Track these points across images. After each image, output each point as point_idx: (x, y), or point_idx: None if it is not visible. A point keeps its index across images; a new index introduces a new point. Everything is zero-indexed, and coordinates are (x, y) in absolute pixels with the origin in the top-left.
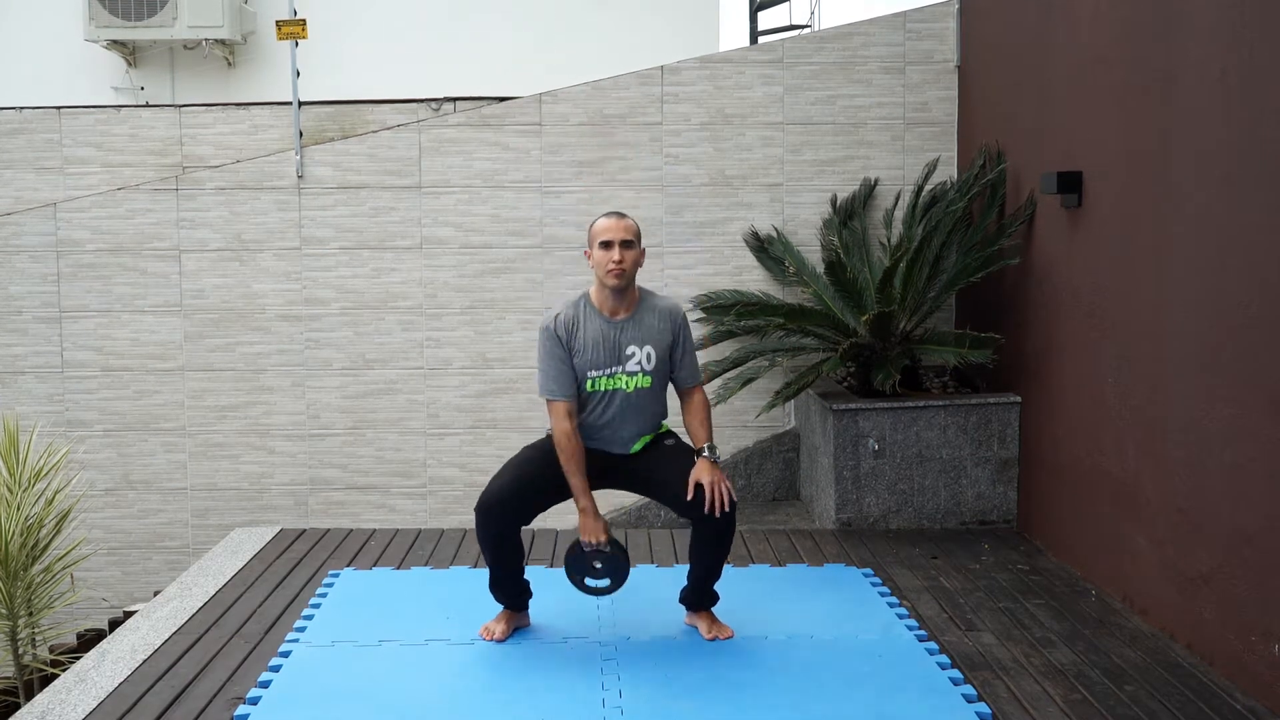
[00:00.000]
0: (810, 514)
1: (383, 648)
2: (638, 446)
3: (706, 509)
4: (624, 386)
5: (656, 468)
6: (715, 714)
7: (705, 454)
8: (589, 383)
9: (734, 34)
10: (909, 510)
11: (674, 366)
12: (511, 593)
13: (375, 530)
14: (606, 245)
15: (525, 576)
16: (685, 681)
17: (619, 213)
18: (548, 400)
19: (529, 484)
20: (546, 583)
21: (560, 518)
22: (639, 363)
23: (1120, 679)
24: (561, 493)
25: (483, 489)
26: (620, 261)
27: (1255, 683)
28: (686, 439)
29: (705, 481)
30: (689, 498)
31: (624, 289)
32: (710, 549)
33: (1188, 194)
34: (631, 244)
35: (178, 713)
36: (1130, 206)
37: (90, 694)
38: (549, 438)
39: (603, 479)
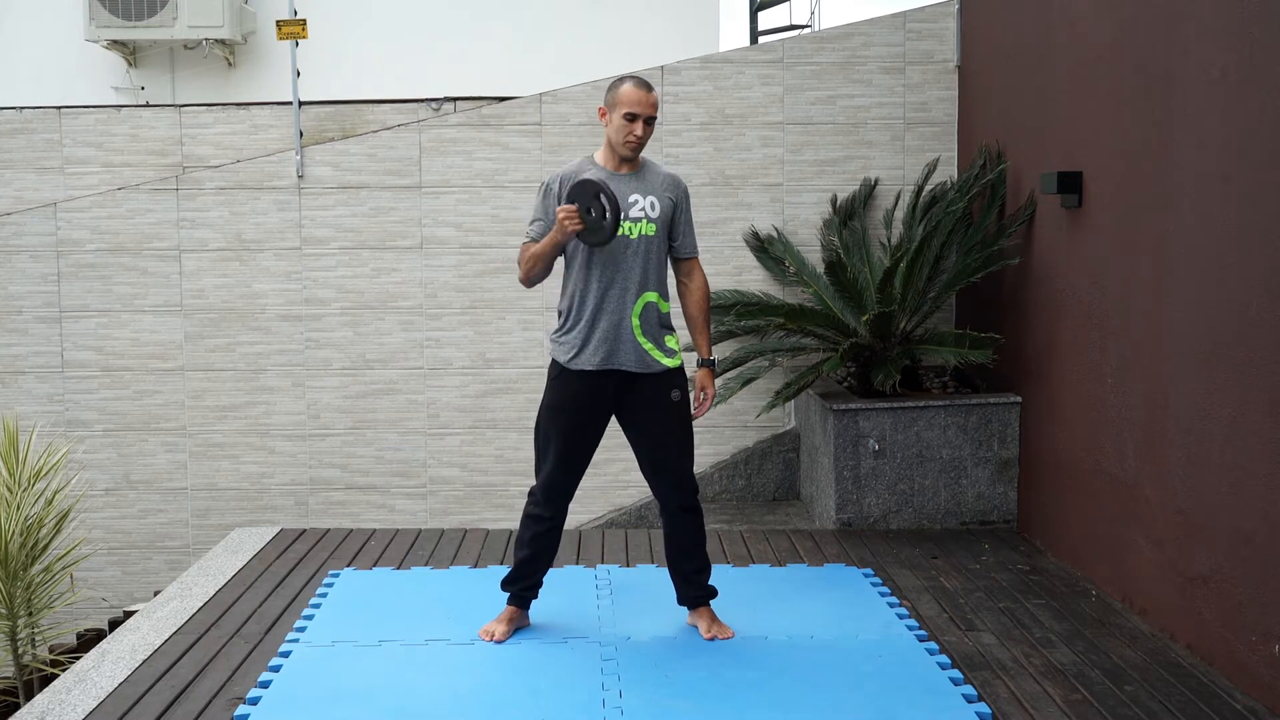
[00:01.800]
0: (810, 514)
1: (383, 648)
2: (638, 315)
3: (698, 414)
4: (629, 233)
5: (655, 423)
6: (715, 714)
7: (708, 365)
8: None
9: (734, 34)
10: (909, 510)
11: (674, 234)
12: (531, 585)
13: (375, 530)
14: (631, 118)
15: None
16: (685, 681)
17: (647, 84)
18: (523, 244)
19: (574, 456)
20: (547, 582)
21: None
22: (643, 209)
23: (1120, 679)
24: (597, 438)
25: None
26: (641, 137)
27: (1255, 683)
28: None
29: (709, 392)
30: (695, 398)
31: (634, 159)
32: (684, 534)
33: (1188, 194)
34: (653, 120)
35: (178, 713)
36: (1130, 206)
37: (90, 694)
38: (555, 390)
39: (618, 408)
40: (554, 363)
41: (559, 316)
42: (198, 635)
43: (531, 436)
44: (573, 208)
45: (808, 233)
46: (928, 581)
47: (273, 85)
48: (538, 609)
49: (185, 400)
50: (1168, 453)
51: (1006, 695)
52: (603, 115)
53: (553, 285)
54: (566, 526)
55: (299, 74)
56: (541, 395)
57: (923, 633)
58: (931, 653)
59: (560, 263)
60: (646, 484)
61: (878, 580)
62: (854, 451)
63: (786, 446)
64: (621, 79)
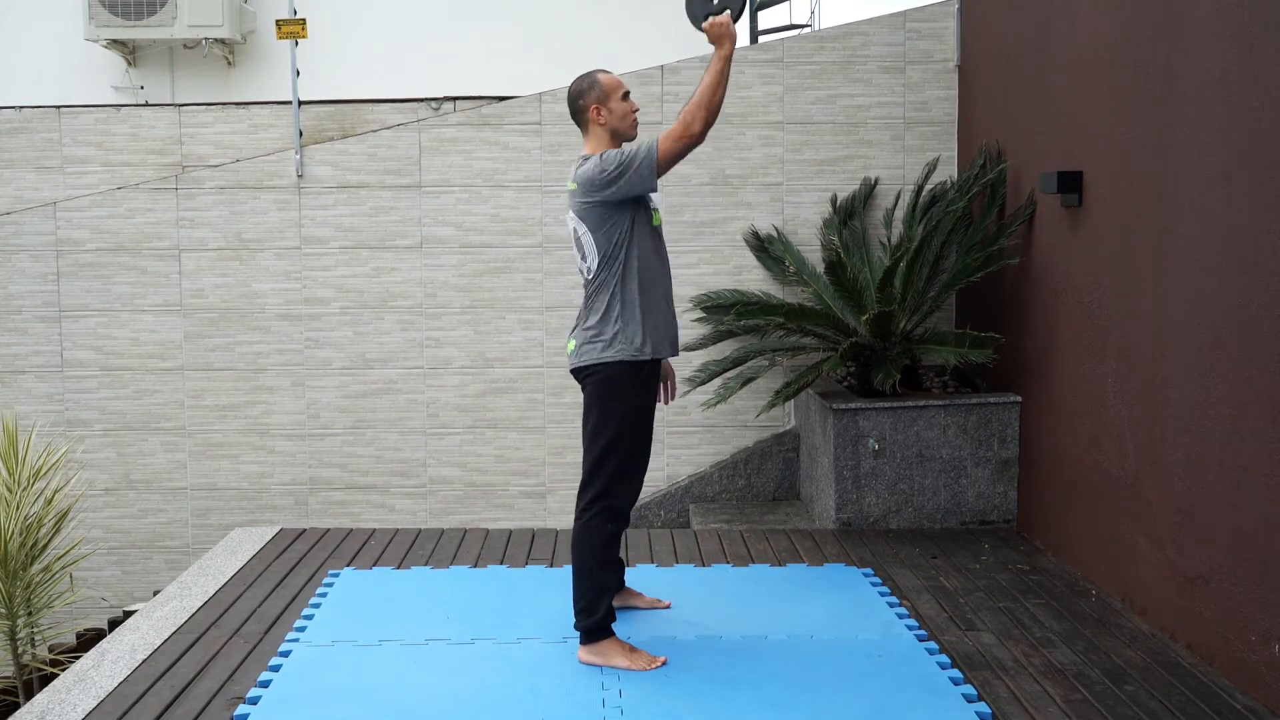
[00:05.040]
0: (810, 514)
1: (383, 648)
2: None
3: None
4: (657, 222)
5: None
6: (715, 714)
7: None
8: (655, 214)
9: None
10: (909, 510)
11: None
12: (616, 589)
13: (375, 530)
14: (627, 96)
15: None
16: (685, 681)
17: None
18: (655, 151)
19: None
20: (547, 583)
21: (561, 517)
22: (658, 198)
23: (1120, 679)
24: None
25: (614, 493)
26: (637, 111)
27: (1255, 683)
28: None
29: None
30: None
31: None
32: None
33: (1188, 194)
34: None
35: (178, 713)
36: (1130, 206)
37: (90, 694)
38: (639, 391)
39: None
40: (623, 364)
41: (606, 315)
42: (197, 635)
43: (525, 436)
44: (723, 18)
45: (808, 232)
46: (928, 581)
47: (272, 85)
48: (539, 609)
49: (185, 400)
50: (1168, 453)
51: (1006, 695)
52: (598, 112)
53: (553, 286)
54: (566, 526)
55: (299, 73)
56: (604, 405)
57: (923, 632)
58: (931, 652)
59: (583, 255)
60: (639, 485)
61: (878, 580)
62: (854, 451)
63: (786, 446)
64: (587, 76)
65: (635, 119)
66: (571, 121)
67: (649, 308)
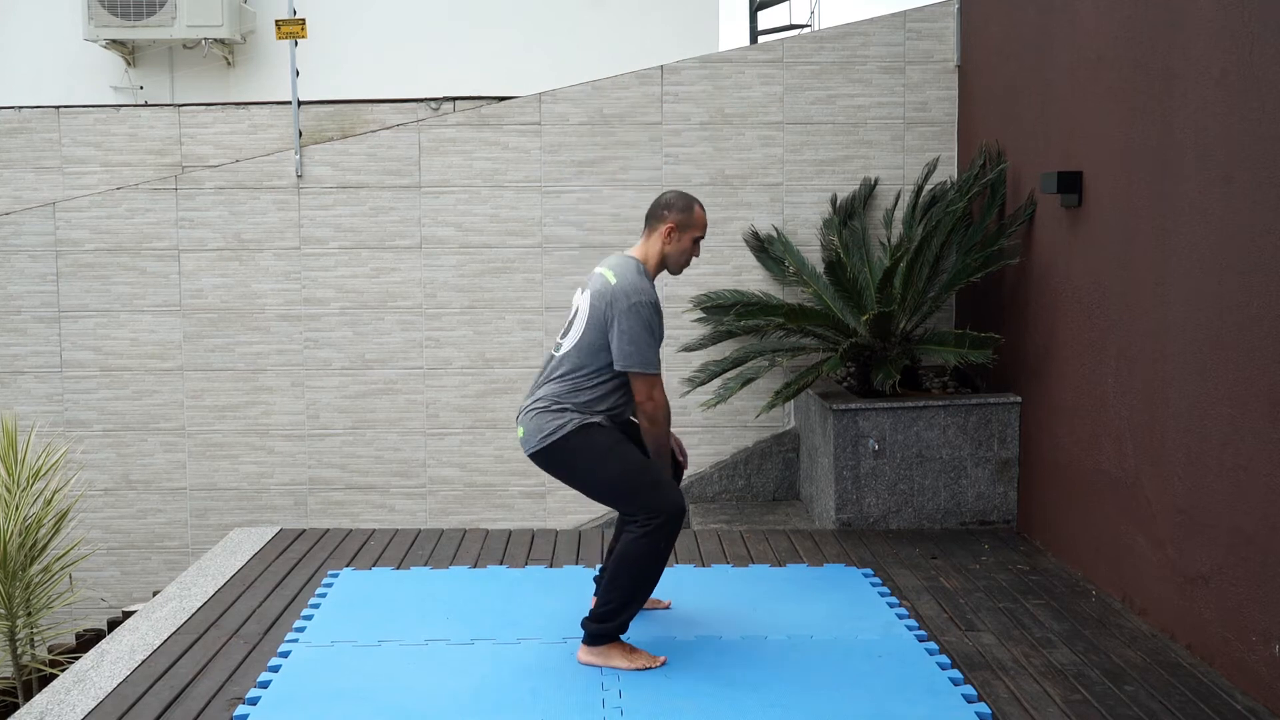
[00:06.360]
0: (810, 514)
1: (383, 648)
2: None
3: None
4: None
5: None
6: (715, 714)
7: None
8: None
9: (734, 34)
10: (909, 510)
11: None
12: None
13: (375, 530)
14: (698, 241)
15: None
16: (685, 681)
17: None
18: (654, 375)
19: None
20: (547, 583)
21: (560, 517)
22: None
23: (1120, 679)
24: None
25: (671, 501)
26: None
27: (1255, 683)
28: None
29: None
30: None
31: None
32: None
33: (1187, 194)
34: None
35: (177, 713)
36: (1130, 206)
37: (89, 694)
38: (600, 431)
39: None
40: (580, 426)
41: (566, 398)
42: (197, 635)
43: None
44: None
45: (808, 232)
46: (928, 581)
47: (272, 85)
48: (539, 609)
49: (184, 400)
50: (1168, 453)
51: (1006, 695)
52: (670, 232)
53: (553, 286)
54: (565, 527)
55: (298, 73)
56: (590, 459)
57: (922, 633)
58: (931, 653)
59: (565, 332)
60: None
61: (878, 580)
62: (854, 451)
63: (786, 446)
64: (687, 199)
65: (688, 263)
66: (571, 123)
67: (617, 420)
